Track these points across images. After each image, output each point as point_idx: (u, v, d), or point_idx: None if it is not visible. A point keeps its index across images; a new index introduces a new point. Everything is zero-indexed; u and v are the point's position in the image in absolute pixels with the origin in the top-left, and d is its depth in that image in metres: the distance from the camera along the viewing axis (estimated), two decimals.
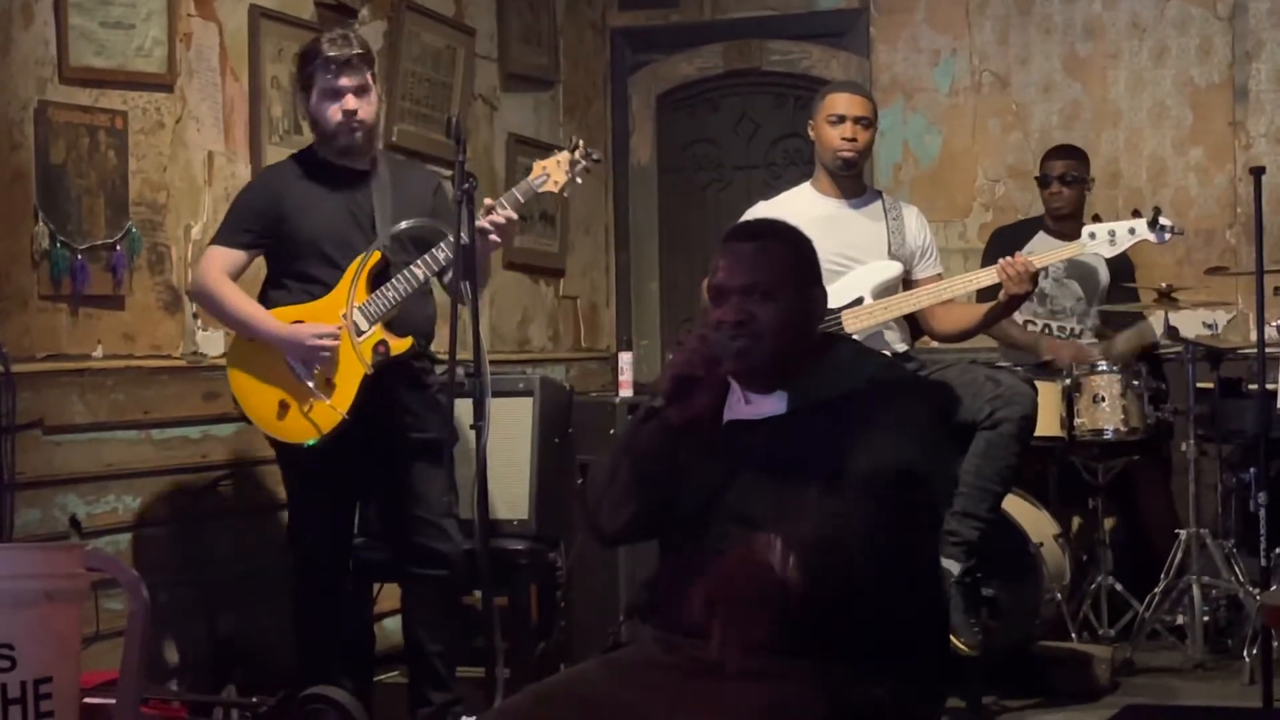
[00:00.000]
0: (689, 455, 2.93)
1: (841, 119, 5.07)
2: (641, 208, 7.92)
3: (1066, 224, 6.20)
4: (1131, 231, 4.94)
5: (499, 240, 4.61)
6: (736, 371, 2.92)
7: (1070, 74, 7.19)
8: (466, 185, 4.13)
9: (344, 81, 4.57)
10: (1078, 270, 6.41)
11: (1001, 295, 4.94)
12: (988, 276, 5.00)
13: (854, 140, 5.07)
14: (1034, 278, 4.90)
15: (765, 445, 2.89)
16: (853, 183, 5.17)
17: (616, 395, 5.71)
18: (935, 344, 5.67)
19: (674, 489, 2.96)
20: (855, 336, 4.92)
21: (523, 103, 7.14)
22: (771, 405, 2.92)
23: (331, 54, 4.57)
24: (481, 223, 4.47)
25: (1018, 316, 6.39)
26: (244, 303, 4.60)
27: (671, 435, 2.92)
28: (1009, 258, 4.90)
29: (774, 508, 2.82)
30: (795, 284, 2.94)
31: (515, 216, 4.62)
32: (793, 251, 3.00)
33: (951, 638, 4.77)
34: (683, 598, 2.88)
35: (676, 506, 2.96)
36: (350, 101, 4.58)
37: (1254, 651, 5.31)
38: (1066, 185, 6.38)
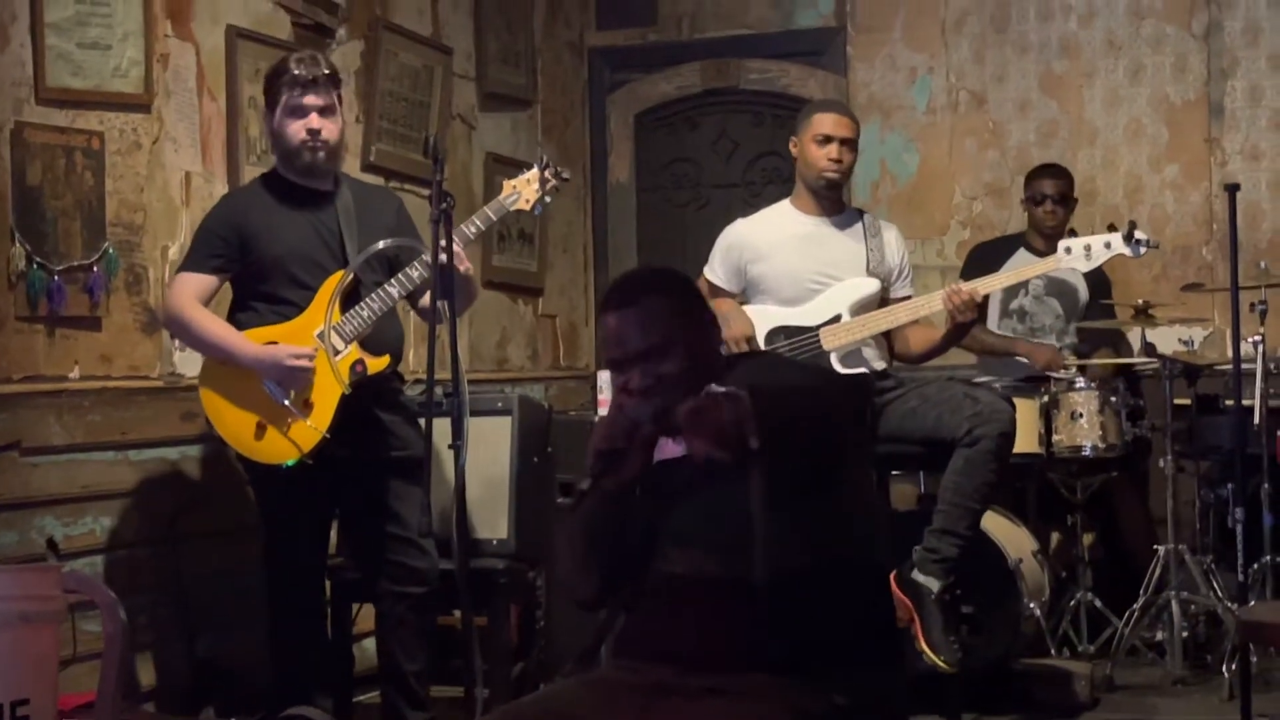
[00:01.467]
0: (629, 504, 2.97)
1: (828, 139, 5.09)
2: (620, 227, 7.92)
3: (1051, 242, 6.22)
4: (1107, 246, 4.95)
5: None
6: (657, 429, 2.92)
7: (1046, 92, 7.22)
8: (444, 205, 4.12)
9: (308, 100, 4.59)
10: (1057, 288, 6.43)
11: (947, 322, 4.97)
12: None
13: (839, 161, 5.10)
14: (977, 307, 4.93)
15: (693, 474, 2.91)
16: (833, 201, 5.19)
17: (595, 414, 5.71)
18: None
19: (628, 542, 2.99)
20: (834, 354, 4.94)
21: (500, 122, 7.14)
22: None
23: (298, 73, 4.59)
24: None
25: (997, 331, 6.43)
26: (218, 327, 4.59)
27: (611, 499, 2.96)
28: (954, 285, 4.94)
29: (704, 526, 2.88)
30: (686, 329, 2.95)
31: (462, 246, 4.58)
32: (673, 299, 2.99)
33: (930, 655, 4.79)
34: (636, 625, 2.93)
35: (627, 551, 3.00)
36: (314, 120, 4.60)
37: (1233, 667, 5.31)
38: (1059, 204, 6.40)
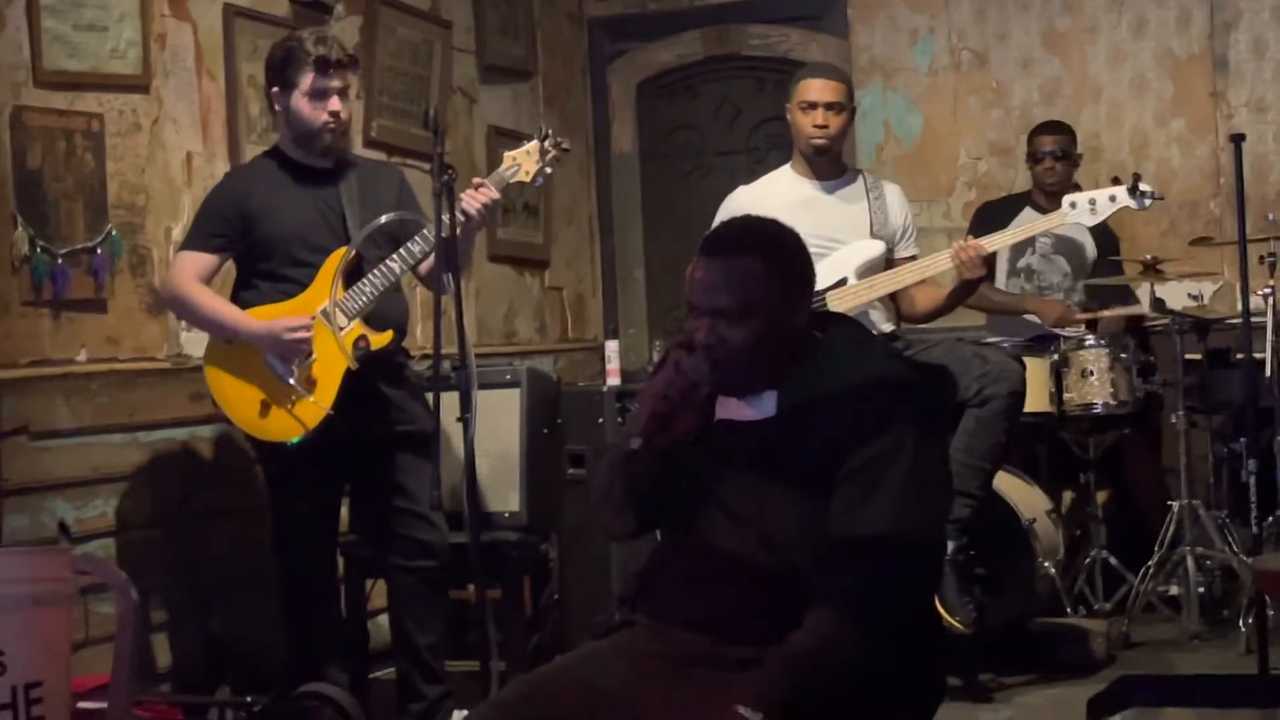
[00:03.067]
0: (677, 456, 2.90)
1: (813, 106, 5.07)
2: (624, 196, 7.91)
3: (1055, 200, 6.19)
4: (1112, 199, 4.92)
5: (483, 221, 4.60)
6: (717, 390, 2.87)
7: (1049, 49, 7.18)
8: (445, 177, 4.11)
9: (335, 83, 4.57)
10: (1065, 246, 6.41)
11: (954, 279, 4.95)
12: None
13: (825, 127, 5.07)
14: (986, 262, 4.91)
15: (753, 448, 2.84)
16: (831, 164, 5.17)
17: (604, 384, 5.70)
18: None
19: (673, 497, 2.93)
20: None
21: (501, 94, 7.12)
22: (761, 407, 2.87)
23: (323, 53, 4.56)
24: (469, 201, 4.48)
25: (1006, 290, 6.41)
26: (218, 304, 4.58)
27: (662, 456, 2.89)
28: (962, 242, 4.91)
29: (762, 510, 2.80)
30: (772, 299, 2.82)
31: (498, 195, 4.60)
32: (770, 263, 2.85)
33: (946, 616, 4.79)
34: (673, 587, 2.88)
35: (670, 501, 2.94)
36: (335, 103, 4.58)
37: (1250, 621, 5.30)
38: (1059, 160, 6.38)
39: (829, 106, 5.06)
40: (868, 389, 2.80)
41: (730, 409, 2.91)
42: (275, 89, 4.65)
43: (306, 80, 4.57)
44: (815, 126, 5.06)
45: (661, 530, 3.02)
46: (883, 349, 3.22)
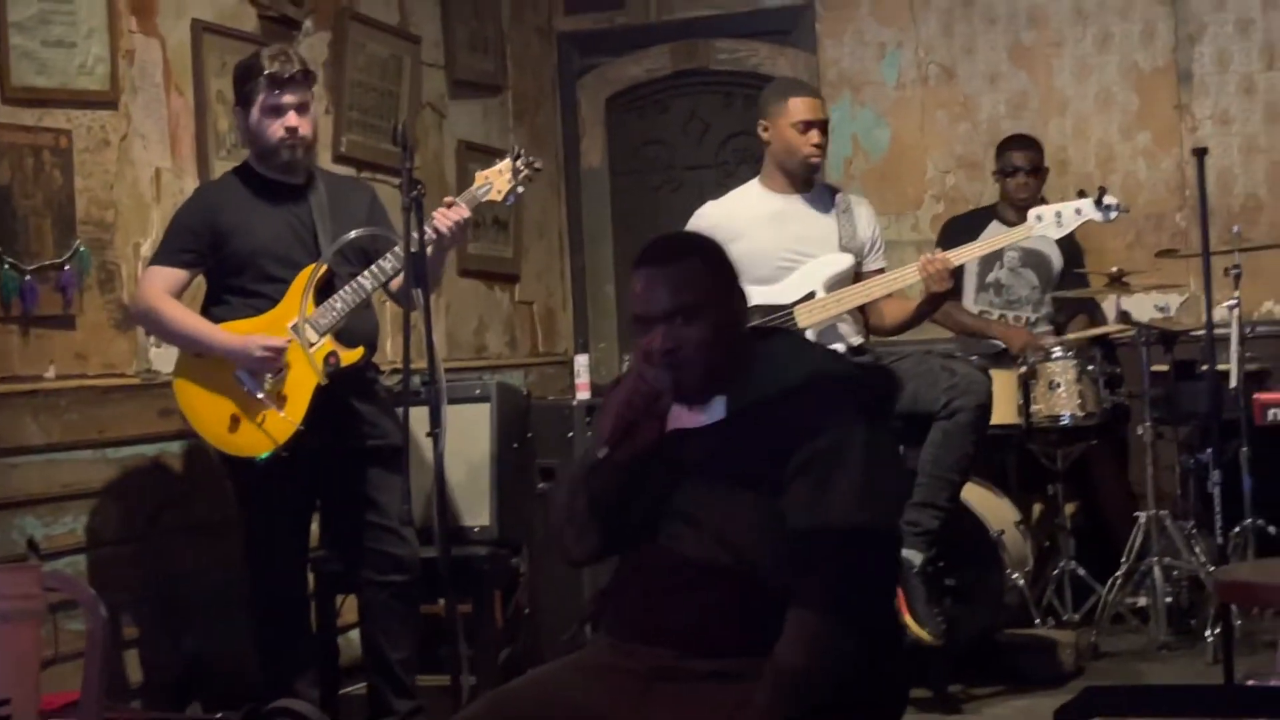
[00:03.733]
0: (638, 468, 2.93)
1: (810, 125, 5.10)
2: (594, 211, 7.92)
3: (1023, 213, 6.21)
4: (1078, 212, 4.97)
5: (454, 239, 4.62)
6: (677, 398, 2.91)
7: (1016, 63, 7.21)
8: (414, 192, 4.12)
9: (287, 99, 4.59)
10: (1032, 259, 6.44)
11: (922, 292, 4.98)
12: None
13: (822, 146, 5.11)
14: (953, 275, 4.94)
15: (708, 452, 2.88)
16: (803, 179, 5.19)
17: (574, 398, 5.71)
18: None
19: (633, 513, 2.95)
20: (809, 331, 4.94)
21: (471, 109, 7.13)
22: (711, 412, 2.91)
23: (274, 70, 4.58)
24: (441, 219, 4.50)
25: (973, 306, 6.44)
26: (189, 318, 4.59)
27: (622, 468, 2.92)
28: (929, 255, 4.94)
29: (718, 514, 2.82)
30: (717, 296, 2.90)
31: (469, 214, 4.62)
32: (707, 264, 2.94)
33: (915, 628, 4.81)
34: (637, 602, 2.89)
35: (630, 516, 2.96)
36: (292, 118, 4.60)
37: (1217, 631, 5.33)
38: (1031, 175, 6.42)
39: (822, 126, 5.11)
40: (813, 384, 2.85)
41: (681, 418, 2.94)
42: (238, 106, 4.68)
43: (261, 96, 4.59)
44: (814, 146, 5.10)
45: (622, 549, 3.03)
46: (823, 351, 3.27)
